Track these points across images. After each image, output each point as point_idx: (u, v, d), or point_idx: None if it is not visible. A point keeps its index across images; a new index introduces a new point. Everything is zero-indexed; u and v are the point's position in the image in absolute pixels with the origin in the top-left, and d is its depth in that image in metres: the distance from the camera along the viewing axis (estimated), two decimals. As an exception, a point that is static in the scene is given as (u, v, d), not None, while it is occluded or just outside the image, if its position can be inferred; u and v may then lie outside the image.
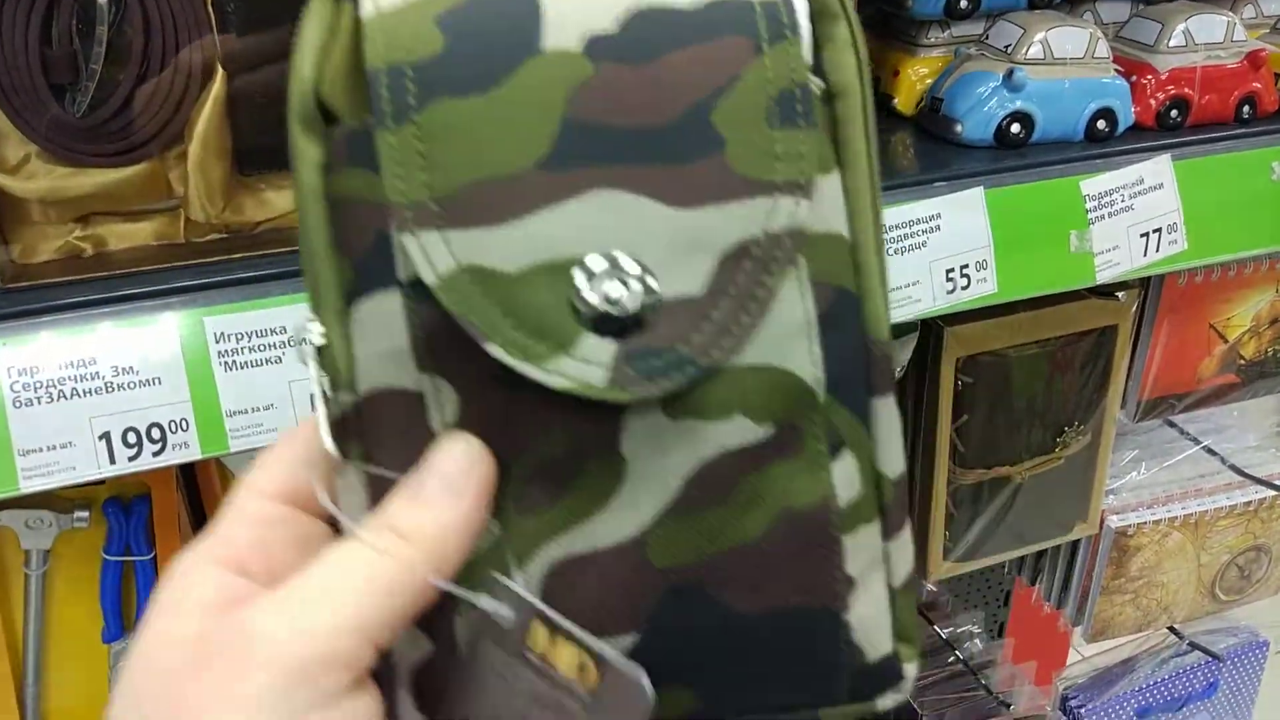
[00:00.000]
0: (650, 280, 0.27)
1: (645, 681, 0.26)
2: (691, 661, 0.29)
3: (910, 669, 0.31)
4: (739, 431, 0.28)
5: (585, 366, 0.27)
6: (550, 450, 0.28)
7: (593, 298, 0.27)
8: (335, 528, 0.29)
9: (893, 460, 0.30)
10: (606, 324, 0.27)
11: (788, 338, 0.28)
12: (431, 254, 0.27)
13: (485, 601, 0.28)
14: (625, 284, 0.27)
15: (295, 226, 0.60)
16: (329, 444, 0.28)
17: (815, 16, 0.30)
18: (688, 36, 0.28)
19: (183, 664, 0.26)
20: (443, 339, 0.27)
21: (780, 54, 0.28)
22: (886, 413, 0.30)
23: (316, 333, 0.29)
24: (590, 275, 0.27)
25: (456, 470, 0.28)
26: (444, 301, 0.27)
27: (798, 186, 0.28)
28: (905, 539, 0.31)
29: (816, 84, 0.29)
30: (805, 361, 0.28)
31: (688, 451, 0.28)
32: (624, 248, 0.27)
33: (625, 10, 0.28)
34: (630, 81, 0.27)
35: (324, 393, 0.29)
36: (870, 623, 0.30)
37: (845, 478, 0.29)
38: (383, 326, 0.28)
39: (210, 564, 0.28)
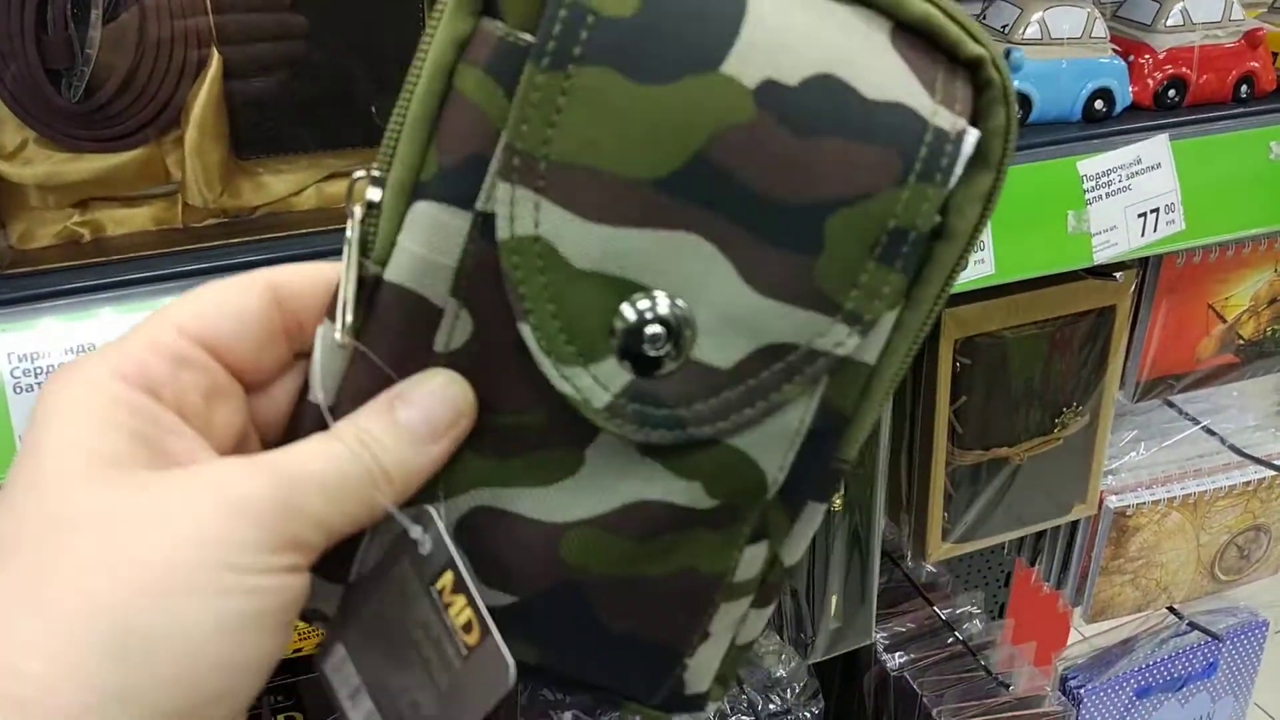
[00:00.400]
0: (689, 336, 0.27)
1: (512, 670, 0.28)
2: (547, 635, 0.31)
3: (713, 705, 0.34)
4: (689, 494, 0.29)
5: (594, 385, 0.28)
6: (525, 421, 0.29)
7: (634, 331, 0.27)
8: (245, 384, 0.29)
9: (796, 551, 0.32)
10: (631, 356, 0.27)
11: (774, 439, 0.29)
12: (518, 211, 0.27)
13: (416, 531, 0.29)
14: (668, 330, 0.27)
15: (293, 211, 0.60)
16: (350, 296, 0.28)
17: (971, 157, 0.28)
18: (852, 127, 0.27)
19: (108, 476, 0.25)
20: (488, 281, 0.28)
21: (920, 194, 0.27)
22: (813, 514, 0.31)
23: (375, 193, 0.29)
24: (642, 308, 0.27)
25: (444, 416, 0.28)
26: (505, 261, 0.27)
27: (859, 320, 0.27)
28: (768, 610, 0.33)
29: (934, 221, 0.28)
30: (775, 464, 0.29)
31: (638, 485, 0.29)
32: (686, 296, 0.27)
33: (815, 68, 0.27)
34: (779, 146, 0.27)
35: (358, 248, 0.28)
36: (702, 666, 0.33)
37: (751, 561, 0.31)
38: (439, 237, 0.28)
39: (117, 379, 0.27)
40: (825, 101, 0.27)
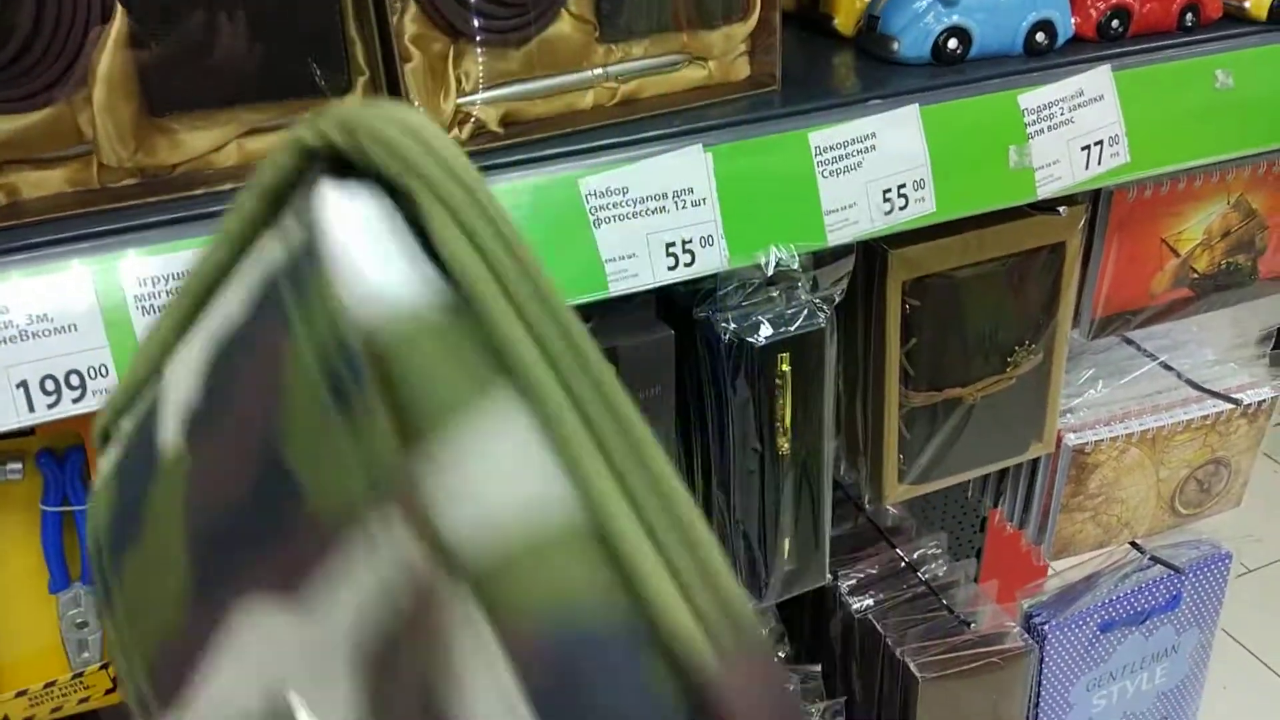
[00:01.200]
0: None
1: None
2: None
3: None
4: None
5: None
6: None
7: None
8: None
9: None
10: None
11: None
12: None
13: None
14: None
15: (214, 168, 0.59)
16: None
17: (399, 194, 0.22)
18: (243, 356, 0.21)
19: None
20: None
21: (307, 310, 0.20)
22: None
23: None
24: None
25: None
26: None
27: (391, 499, 0.18)
28: None
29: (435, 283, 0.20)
30: None
31: None
32: (285, 678, 0.21)
33: (205, 353, 0.23)
34: (216, 454, 0.22)
35: None
36: None
37: None
38: None
39: None
40: (224, 369, 0.23)
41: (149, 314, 0.53)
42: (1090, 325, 0.93)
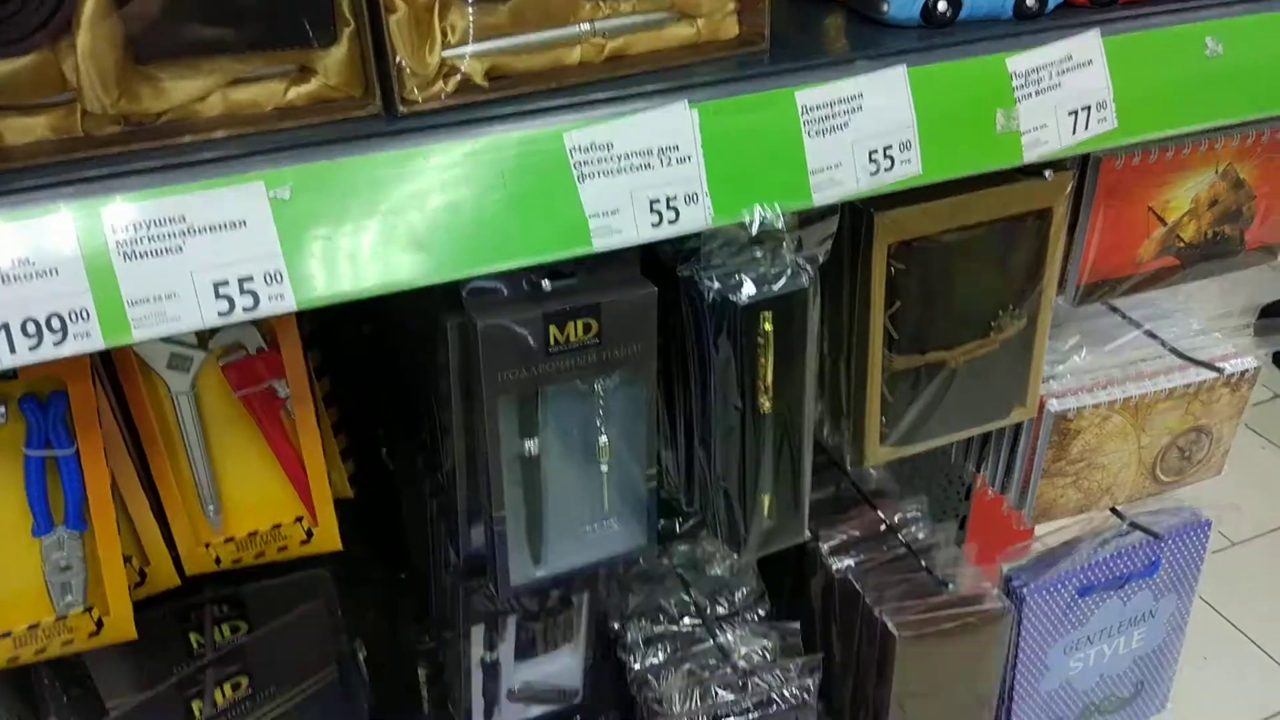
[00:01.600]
0: None
1: None
2: None
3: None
4: None
5: None
6: None
7: None
8: None
9: None
10: None
11: None
12: None
13: None
14: None
15: (198, 117, 0.60)
16: None
17: None
18: None
19: None
20: None
21: None
22: None
23: None
24: None
25: None
26: None
27: None
28: None
29: None
30: None
31: None
32: None
33: None
34: None
35: None
36: None
37: None
38: None
39: None
40: None
41: (130, 260, 0.53)
42: (1075, 292, 0.93)
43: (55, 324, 0.51)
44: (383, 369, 0.93)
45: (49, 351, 0.51)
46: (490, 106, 0.62)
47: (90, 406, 0.60)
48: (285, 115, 0.60)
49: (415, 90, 0.60)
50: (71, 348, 0.52)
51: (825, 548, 1.01)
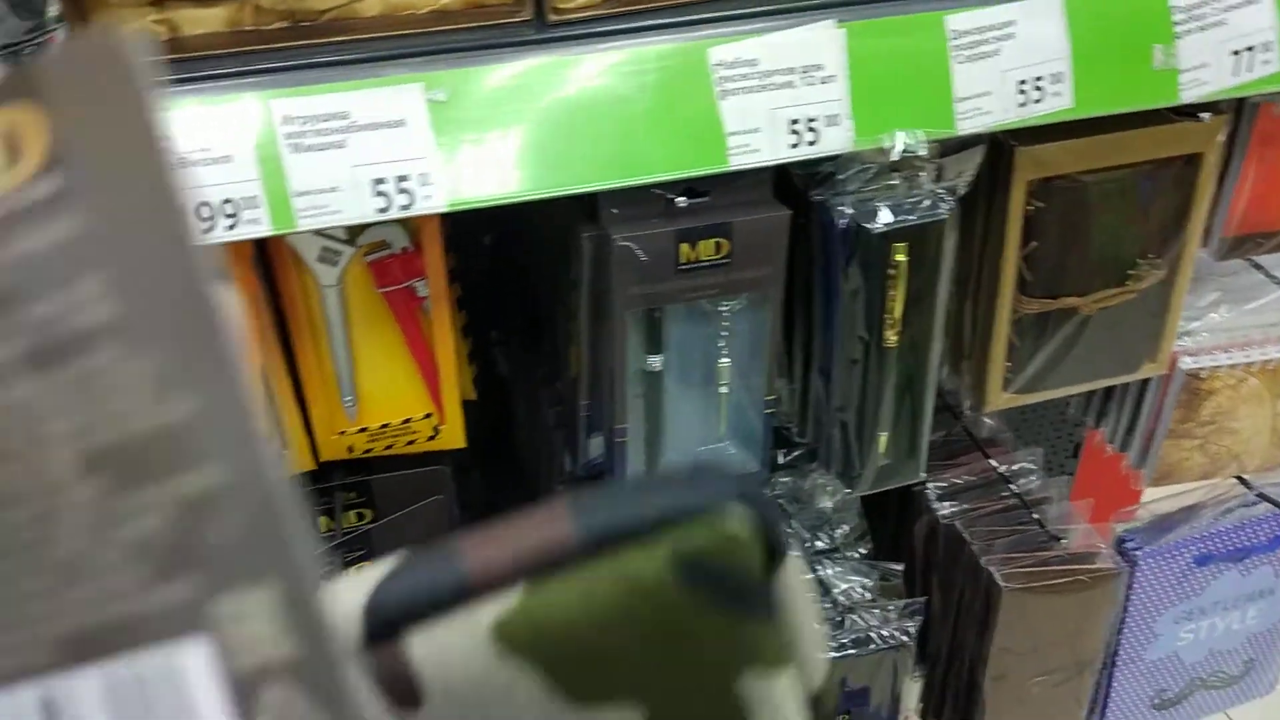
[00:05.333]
0: None
1: None
2: None
3: None
4: None
5: None
6: None
7: None
8: None
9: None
10: None
11: None
12: None
13: None
14: None
15: (358, 17, 0.62)
16: None
17: None
18: None
19: None
20: None
21: None
22: None
23: None
24: None
25: None
26: None
27: None
28: None
29: None
30: None
31: None
32: None
33: None
34: None
35: None
36: None
37: None
38: None
39: None
40: None
41: (298, 152, 0.56)
42: (1220, 245, 0.90)
43: (229, 209, 0.54)
44: (502, 278, 0.96)
45: (221, 234, 0.54)
46: (637, 17, 0.62)
47: (249, 294, 0.63)
48: (440, 18, 0.61)
49: (566, -1, 0.61)
50: (242, 233, 0.55)
51: (932, 491, 1.01)
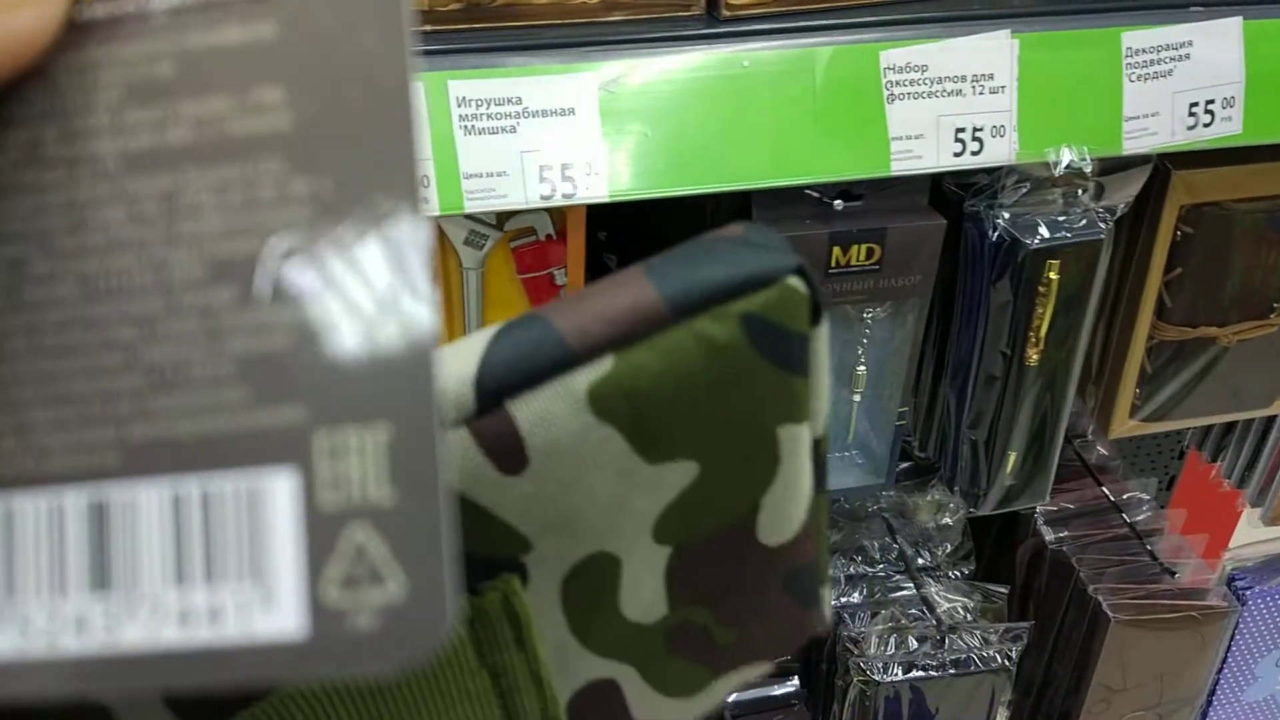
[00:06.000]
0: None
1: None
2: None
3: None
4: None
5: None
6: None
7: None
8: None
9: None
10: None
11: None
12: None
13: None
14: None
15: (532, 3, 0.61)
16: None
17: None
18: None
19: None
20: None
21: None
22: None
23: None
24: None
25: None
26: None
27: None
28: None
29: None
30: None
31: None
32: None
33: None
34: None
35: None
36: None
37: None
38: None
39: None
40: None
41: (470, 134, 0.56)
42: (1368, 283, 0.86)
43: (402, 185, 0.54)
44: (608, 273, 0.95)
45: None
46: (809, 16, 0.61)
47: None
48: (611, 8, 0.61)
49: (741, -7, 0.60)
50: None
51: (1041, 515, 0.99)
